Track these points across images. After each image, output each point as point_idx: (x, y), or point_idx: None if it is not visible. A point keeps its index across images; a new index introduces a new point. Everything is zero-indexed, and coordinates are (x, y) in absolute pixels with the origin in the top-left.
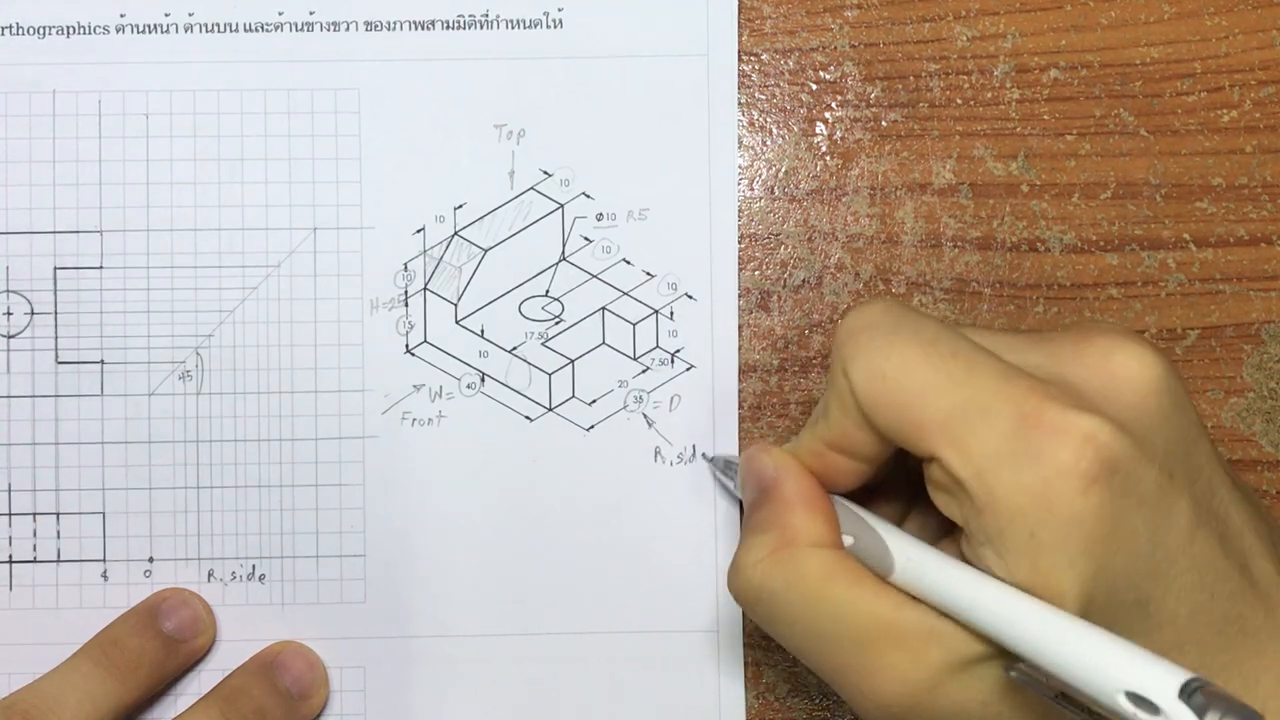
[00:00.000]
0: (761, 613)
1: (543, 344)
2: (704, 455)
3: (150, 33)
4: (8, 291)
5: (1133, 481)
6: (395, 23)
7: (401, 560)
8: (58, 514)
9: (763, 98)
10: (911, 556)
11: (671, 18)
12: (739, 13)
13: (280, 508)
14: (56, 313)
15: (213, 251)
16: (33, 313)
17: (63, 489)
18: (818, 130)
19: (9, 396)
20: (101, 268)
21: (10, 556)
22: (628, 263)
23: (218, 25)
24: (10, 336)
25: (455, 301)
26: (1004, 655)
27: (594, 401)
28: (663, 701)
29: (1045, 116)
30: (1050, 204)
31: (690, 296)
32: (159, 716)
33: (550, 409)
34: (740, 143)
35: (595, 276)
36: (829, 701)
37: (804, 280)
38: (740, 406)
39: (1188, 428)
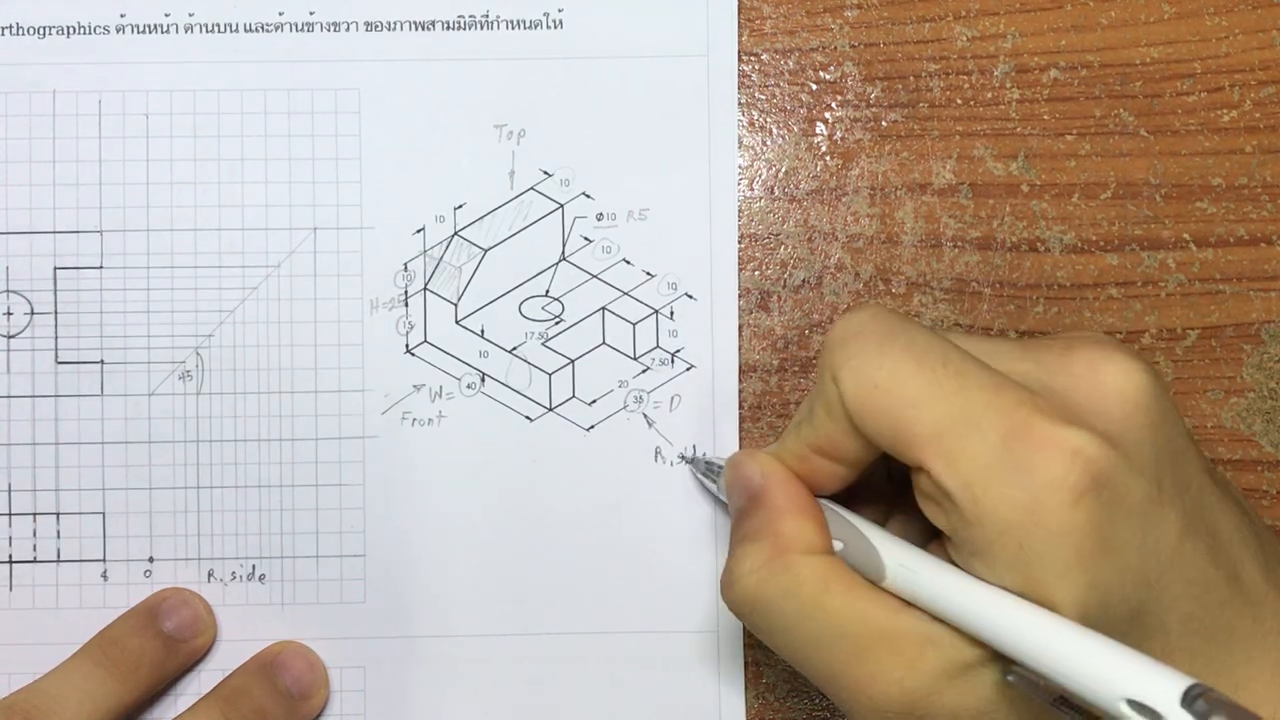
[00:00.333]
0: (756, 621)
1: (543, 344)
2: (682, 458)
3: (150, 33)
4: (8, 291)
5: (1122, 494)
6: (395, 23)
7: (401, 560)
8: (58, 514)
9: (763, 98)
10: (904, 562)
11: (671, 18)
12: (739, 13)
13: (280, 508)
14: (56, 313)
15: (213, 251)
16: (33, 313)
17: (63, 489)
18: (818, 130)
19: (9, 396)
20: (101, 268)
21: (10, 556)
22: (628, 263)
23: (218, 25)
24: (10, 336)
25: (455, 301)
26: (1001, 659)
27: (594, 401)
28: (662, 702)
29: (1045, 116)
30: (1050, 204)
31: (690, 296)
32: (159, 716)
33: (550, 409)
34: (740, 143)
35: (595, 276)
36: (828, 701)
37: (804, 280)
38: (740, 406)
39: (1175, 439)
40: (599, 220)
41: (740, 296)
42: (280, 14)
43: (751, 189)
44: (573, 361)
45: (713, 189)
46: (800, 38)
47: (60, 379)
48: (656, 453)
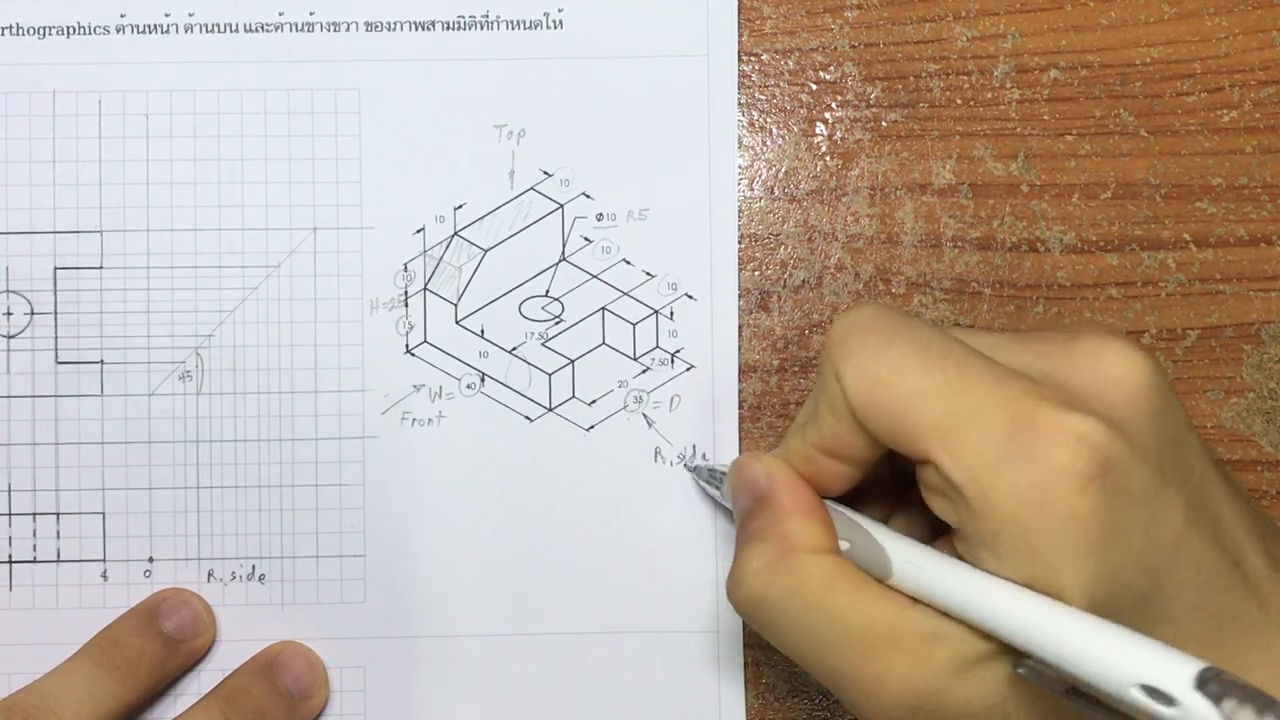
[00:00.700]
0: (762, 621)
1: (543, 344)
2: (685, 465)
3: (150, 33)
4: (8, 291)
5: (1127, 480)
6: (395, 23)
7: (401, 560)
8: (58, 514)
9: (763, 98)
10: (910, 559)
11: (671, 18)
12: (739, 13)
13: (280, 508)
14: (56, 313)
15: (213, 251)
16: (33, 313)
17: (63, 489)
18: (818, 130)
19: (9, 396)
20: (101, 268)
21: (10, 556)
22: (628, 263)
23: (218, 25)
24: (10, 336)
25: (455, 302)
26: (1010, 652)
27: (594, 402)
28: (663, 702)
29: (1045, 116)
30: (1050, 204)
31: (690, 296)
32: (159, 716)
33: (550, 409)
34: (740, 143)
35: (595, 277)
36: (829, 701)
37: (804, 280)
38: (740, 407)
39: (1177, 426)
40: (599, 220)
41: (740, 296)
42: (280, 14)
43: (751, 189)
44: (573, 362)
45: (713, 189)
46: (800, 38)
47: (60, 379)
48: (656, 453)
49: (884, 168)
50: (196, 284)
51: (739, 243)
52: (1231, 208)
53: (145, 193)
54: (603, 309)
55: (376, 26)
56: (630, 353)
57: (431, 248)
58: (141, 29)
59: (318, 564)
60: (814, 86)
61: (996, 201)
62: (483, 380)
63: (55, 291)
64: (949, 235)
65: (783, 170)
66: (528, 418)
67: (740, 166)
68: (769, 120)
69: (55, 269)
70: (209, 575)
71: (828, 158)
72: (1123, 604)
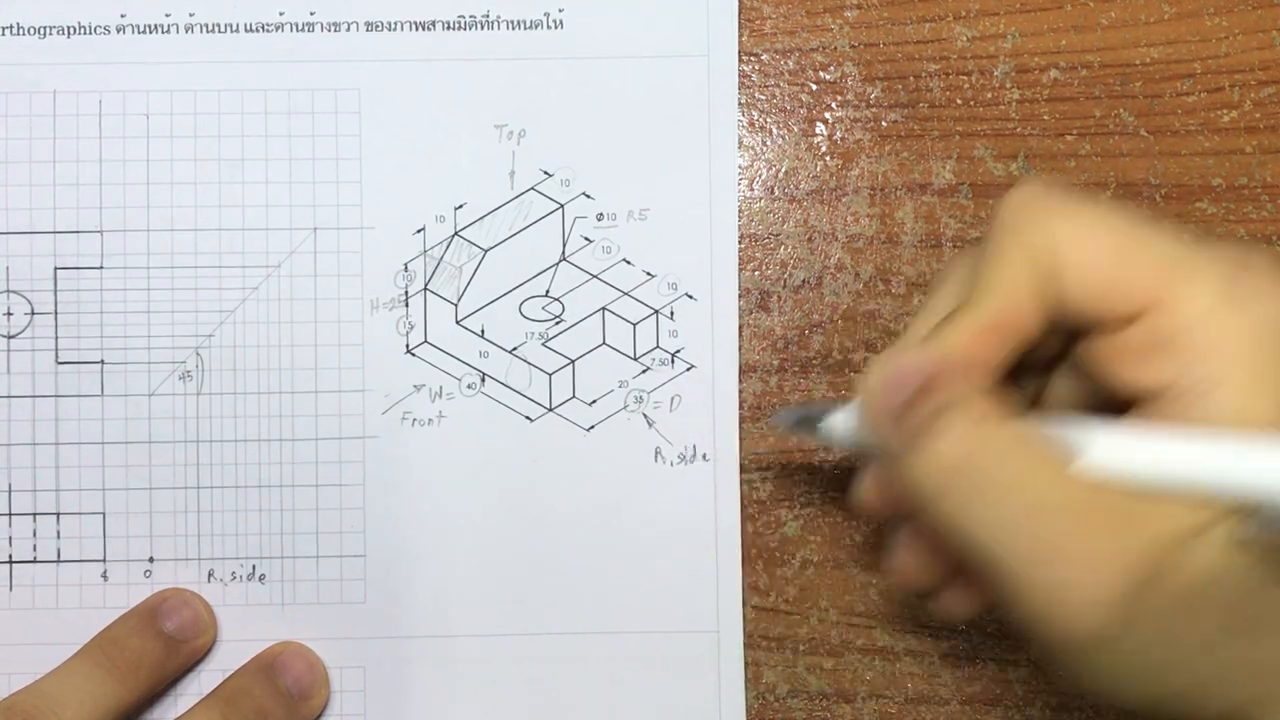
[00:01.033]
0: (961, 494)
1: (543, 344)
2: (770, 424)
3: (151, 33)
4: (8, 291)
5: None
6: (396, 23)
7: (402, 560)
8: (58, 514)
9: (763, 98)
10: (1112, 433)
11: (672, 18)
12: (739, 13)
13: (280, 508)
14: (57, 313)
15: (213, 252)
16: (33, 313)
17: (63, 489)
18: (818, 130)
19: (9, 397)
20: (102, 268)
21: (10, 556)
22: (628, 263)
23: (218, 25)
24: (10, 336)
25: (455, 301)
26: (1230, 519)
27: (594, 402)
28: (663, 702)
29: (1045, 116)
30: None
31: (690, 296)
32: (159, 716)
33: (550, 409)
34: (740, 143)
35: (595, 277)
36: (828, 701)
37: (804, 280)
38: (740, 407)
39: None
40: (599, 220)
41: (740, 296)
42: (281, 14)
43: (751, 189)
44: (573, 362)
45: (713, 189)
46: (800, 38)
47: (60, 379)
48: (657, 453)
49: (884, 168)
50: (197, 284)
51: (739, 243)
52: (1231, 208)
53: (146, 193)
54: (603, 309)
55: (377, 26)
56: (630, 353)
57: (432, 248)
58: (142, 29)
59: (318, 564)
60: (814, 86)
61: (996, 201)
62: (483, 380)
63: (55, 291)
64: (949, 235)
65: (783, 170)
66: (528, 418)
67: (740, 166)
68: (769, 120)
69: (56, 269)
70: (209, 575)
71: (828, 158)
72: None
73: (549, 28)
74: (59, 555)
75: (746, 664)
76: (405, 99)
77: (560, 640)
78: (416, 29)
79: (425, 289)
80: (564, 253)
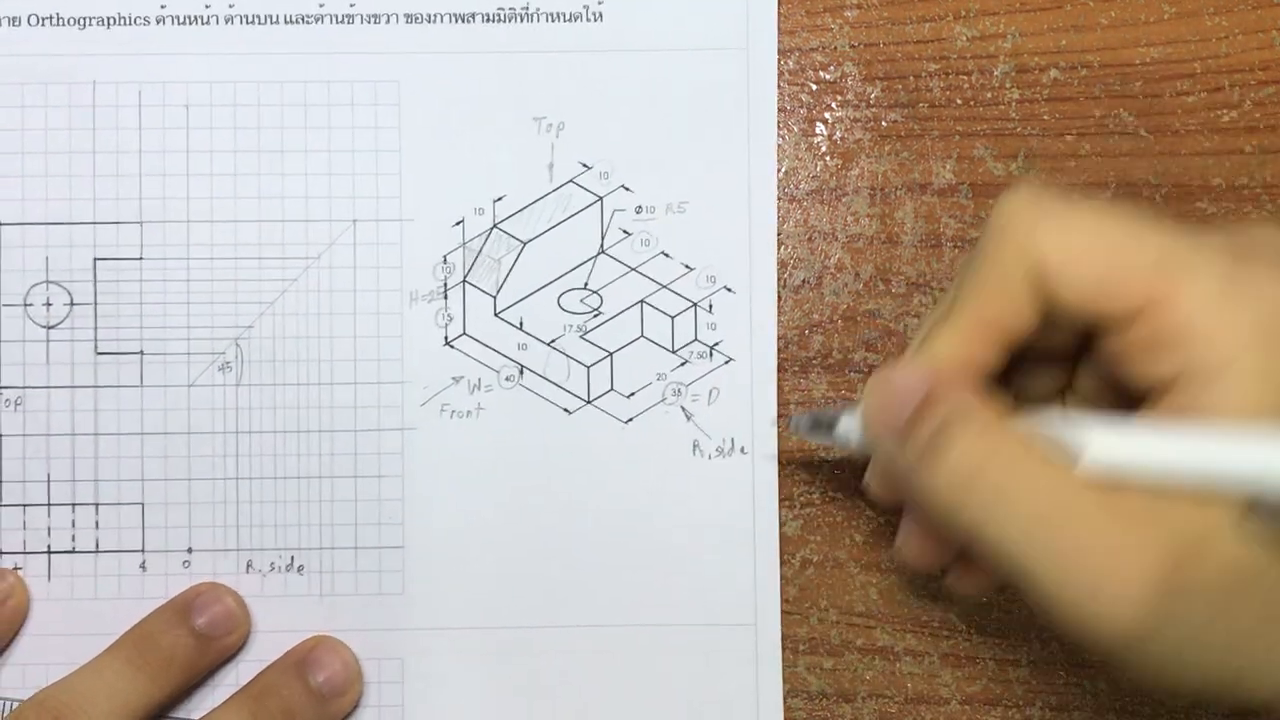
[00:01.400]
0: (979, 503)
1: (581, 336)
2: (783, 424)
3: (191, 24)
4: (47, 282)
5: None
6: (435, 15)
7: (440, 552)
8: (97, 504)
9: None
10: (1117, 430)
11: (711, 11)
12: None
13: (319, 499)
14: (96, 303)
15: (252, 243)
16: (72, 303)
17: (102, 480)
18: (818, 130)
19: (48, 387)
20: (141, 259)
21: (49, 547)
22: (666, 255)
23: (258, 17)
24: (50, 327)
25: (494, 294)
26: (1243, 514)
27: (632, 394)
28: (700, 696)
29: (1045, 116)
30: None
31: (729, 289)
32: (195, 706)
33: (589, 402)
34: None
35: (634, 269)
36: (829, 701)
37: (804, 280)
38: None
39: None
40: (638, 213)
41: None
42: (320, 6)
43: None
44: (611, 354)
45: (752, 182)
46: (800, 38)
47: (100, 370)
48: (694, 446)
49: (884, 168)
50: (236, 275)
51: None
52: (1231, 208)
53: (185, 184)
54: (641, 301)
55: (416, 18)
56: (669, 345)
57: (471, 240)
58: (182, 20)
59: (356, 555)
60: (814, 86)
61: (996, 201)
62: (521, 372)
63: (95, 282)
64: (949, 235)
65: (783, 170)
66: (566, 410)
67: None
68: None
69: (95, 259)
70: (248, 566)
71: (828, 158)
72: None
73: (588, 20)
74: (97, 546)
75: (784, 657)
76: (445, 91)
77: (598, 633)
78: (456, 21)
79: (464, 281)
80: (602, 245)
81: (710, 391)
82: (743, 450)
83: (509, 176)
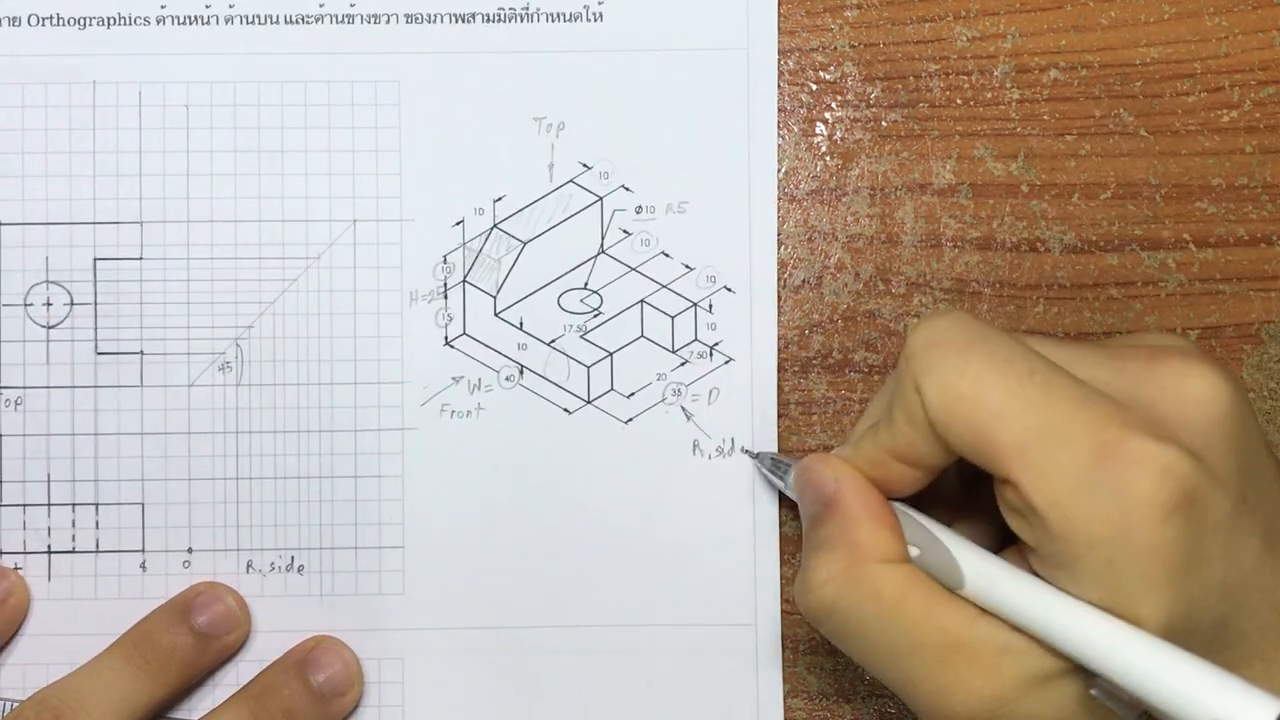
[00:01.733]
0: (833, 630)
1: (581, 336)
2: (744, 450)
3: (191, 24)
4: (48, 282)
5: (1209, 510)
6: (436, 15)
7: (440, 552)
8: (97, 504)
9: None
10: (983, 571)
11: (711, 11)
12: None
13: (319, 499)
14: (96, 303)
15: (252, 243)
16: (72, 303)
17: (102, 480)
18: (818, 130)
19: (48, 387)
20: (141, 258)
21: (49, 547)
22: (666, 255)
23: (258, 17)
24: (50, 327)
25: (494, 294)
26: (1082, 672)
27: (632, 394)
28: (699, 695)
29: (1045, 116)
30: (1050, 204)
31: (729, 289)
32: (195, 706)
33: (589, 402)
34: None
35: (634, 269)
36: (828, 701)
37: (804, 280)
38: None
39: (1258, 451)
40: (638, 213)
41: None
42: (320, 6)
43: None
44: (611, 354)
45: (752, 182)
46: (800, 38)
47: (100, 370)
48: (694, 446)
49: (884, 168)
50: (236, 275)
51: None
52: (1231, 208)
53: (185, 184)
54: (641, 301)
55: (417, 19)
56: (669, 345)
57: (471, 240)
58: (182, 20)
59: (356, 555)
60: (814, 86)
61: (996, 201)
62: (521, 372)
63: (95, 282)
64: (949, 235)
65: (783, 170)
66: (566, 410)
67: None
68: None
69: (95, 259)
70: (248, 566)
71: (828, 158)
72: (1197, 628)
73: (589, 20)
74: (98, 545)
75: (784, 657)
76: (445, 91)
77: (598, 632)
78: (456, 21)
79: (464, 281)
80: (603, 245)
81: (710, 391)
82: (743, 450)
83: (509, 176)
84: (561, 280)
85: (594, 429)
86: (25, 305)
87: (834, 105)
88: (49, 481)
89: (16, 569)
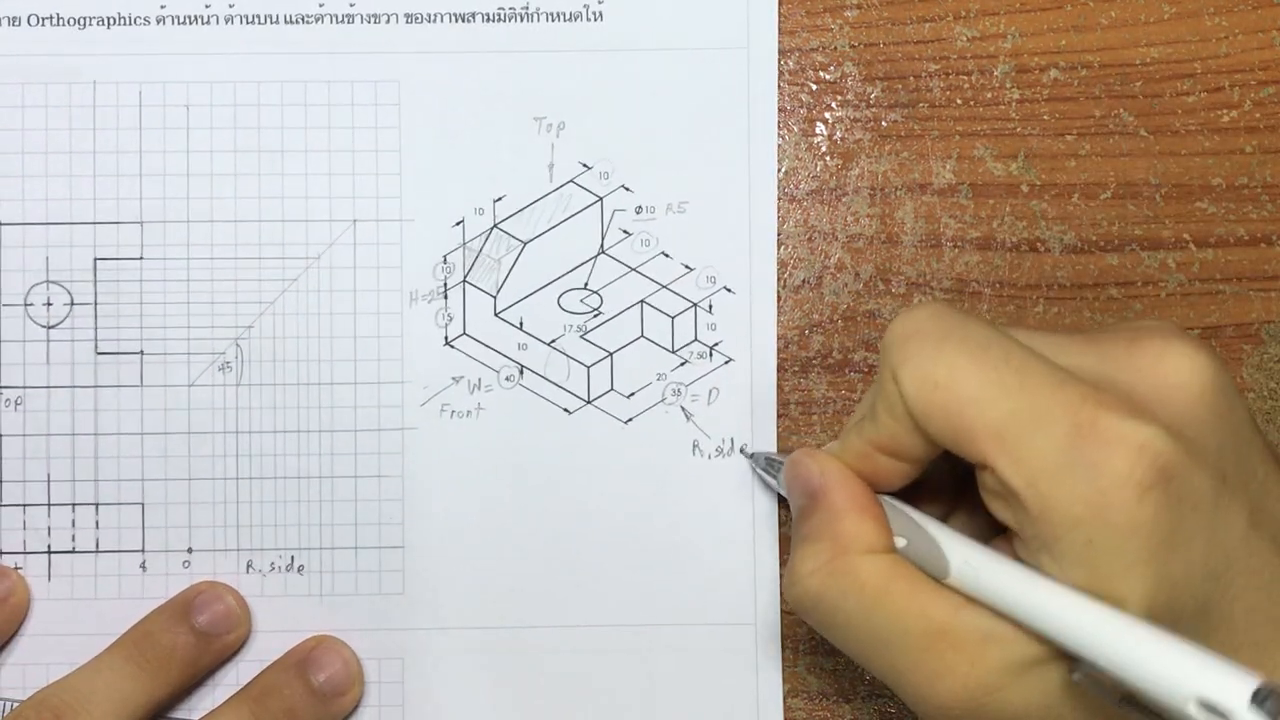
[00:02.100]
0: (819, 620)
1: (581, 336)
2: (742, 451)
3: (191, 24)
4: (48, 282)
5: (1188, 488)
6: (435, 15)
7: (440, 552)
8: (97, 504)
9: None
10: (968, 559)
11: (711, 10)
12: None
13: (319, 499)
14: (96, 303)
15: (253, 243)
16: (72, 303)
17: (102, 479)
18: (818, 130)
19: (48, 387)
20: (142, 258)
21: (49, 547)
22: (666, 256)
23: (258, 17)
24: (50, 327)
25: (494, 294)
26: (1066, 657)
27: (632, 394)
28: (699, 694)
29: (1045, 116)
30: (1050, 204)
31: (729, 290)
32: (195, 706)
33: (589, 402)
34: None
35: (634, 269)
36: (828, 701)
37: (804, 280)
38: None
39: (1240, 428)
40: (638, 213)
41: None
42: (320, 6)
43: None
44: (611, 354)
45: (752, 182)
46: (800, 38)
47: (100, 369)
48: (694, 446)
49: (884, 168)
50: (236, 275)
51: None
52: (1231, 208)
53: (185, 184)
54: (641, 302)
55: (417, 18)
56: (669, 345)
57: (471, 240)
58: (182, 20)
59: (356, 555)
60: (814, 86)
61: (996, 201)
62: (521, 372)
63: (95, 282)
64: (949, 235)
65: (783, 170)
66: (566, 410)
67: None
68: None
69: (95, 259)
70: (248, 566)
71: (828, 158)
72: (1182, 610)
73: (588, 20)
74: (98, 545)
75: (784, 656)
76: (445, 91)
77: (597, 632)
78: (456, 21)
79: (464, 281)
80: (603, 245)
81: (710, 391)
82: (742, 450)
83: (509, 176)
84: (561, 280)
85: (594, 429)
86: (25, 305)
87: (834, 105)
88: (49, 481)
89: (17, 569)
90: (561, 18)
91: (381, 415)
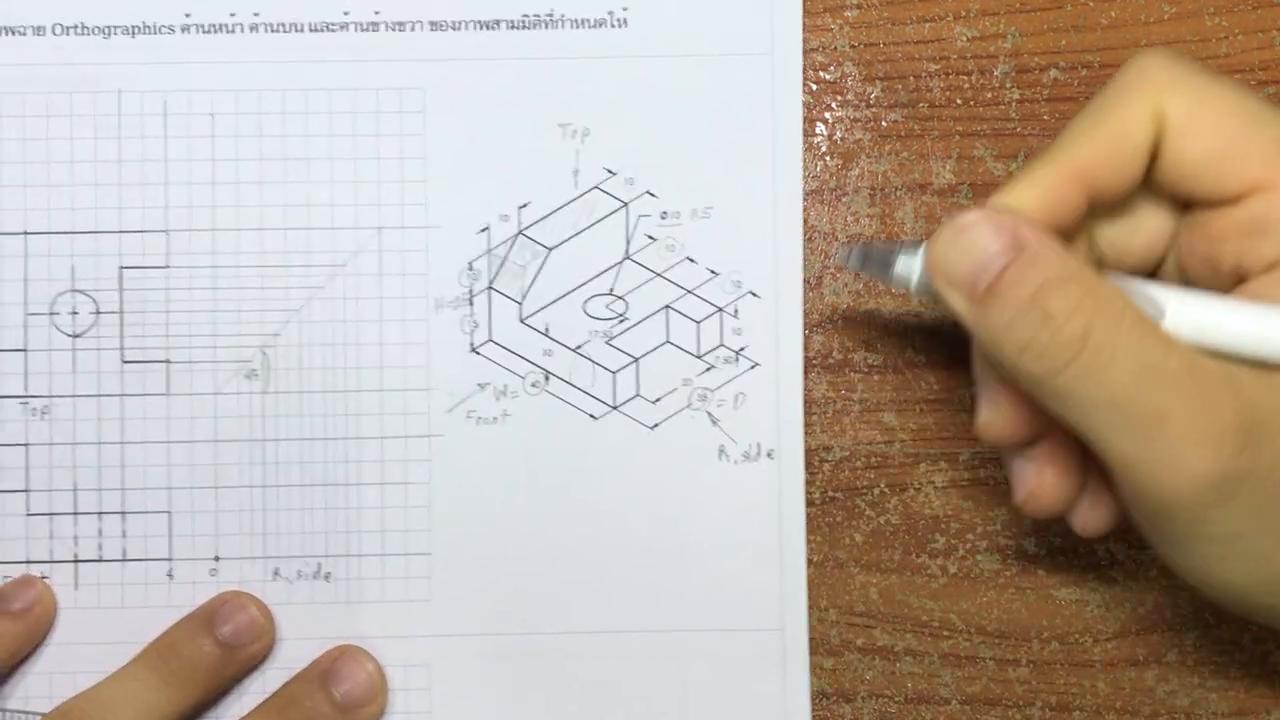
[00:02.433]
0: (1082, 368)
1: (607, 342)
2: (838, 260)
3: (215, 32)
4: (74, 291)
5: None
6: (460, 22)
7: (466, 558)
8: (123, 513)
9: None
10: (1192, 301)
11: (736, 16)
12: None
13: (345, 506)
14: (122, 312)
15: (278, 251)
16: (98, 312)
17: (128, 488)
18: (818, 130)
19: (75, 396)
20: (168, 267)
21: (76, 555)
22: (691, 261)
23: (283, 25)
24: (76, 336)
25: (520, 300)
26: None
27: (658, 400)
28: (727, 700)
29: (1045, 116)
30: None
31: (754, 294)
32: (222, 715)
33: (614, 407)
34: None
35: (659, 275)
36: (828, 701)
37: (804, 280)
38: None
39: None
40: (663, 219)
41: None
42: (345, 13)
43: None
44: (637, 360)
45: (777, 187)
46: (800, 38)
47: (126, 378)
48: (721, 451)
49: (884, 168)
50: (262, 283)
51: None
52: None
53: (211, 192)
54: (666, 307)
55: (441, 26)
56: (694, 350)
57: (496, 246)
58: (206, 28)
59: (383, 562)
60: (814, 86)
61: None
62: (547, 378)
63: (121, 291)
64: None
65: None
66: (592, 416)
67: None
68: None
69: (121, 268)
70: (274, 573)
71: (828, 158)
72: None
73: (613, 26)
74: (124, 554)
75: (811, 663)
76: (469, 98)
77: (624, 638)
78: (480, 28)
79: (489, 288)
80: (628, 251)
81: (736, 396)
82: (769, 455)
83: (534, 183)
84: (587, 286)
85: (620, 434)
86: (51, 314)
87: (834, 105)
88: (75, 490)
89: (43, 578)
90: (586, 24)
91: (408, 422)
